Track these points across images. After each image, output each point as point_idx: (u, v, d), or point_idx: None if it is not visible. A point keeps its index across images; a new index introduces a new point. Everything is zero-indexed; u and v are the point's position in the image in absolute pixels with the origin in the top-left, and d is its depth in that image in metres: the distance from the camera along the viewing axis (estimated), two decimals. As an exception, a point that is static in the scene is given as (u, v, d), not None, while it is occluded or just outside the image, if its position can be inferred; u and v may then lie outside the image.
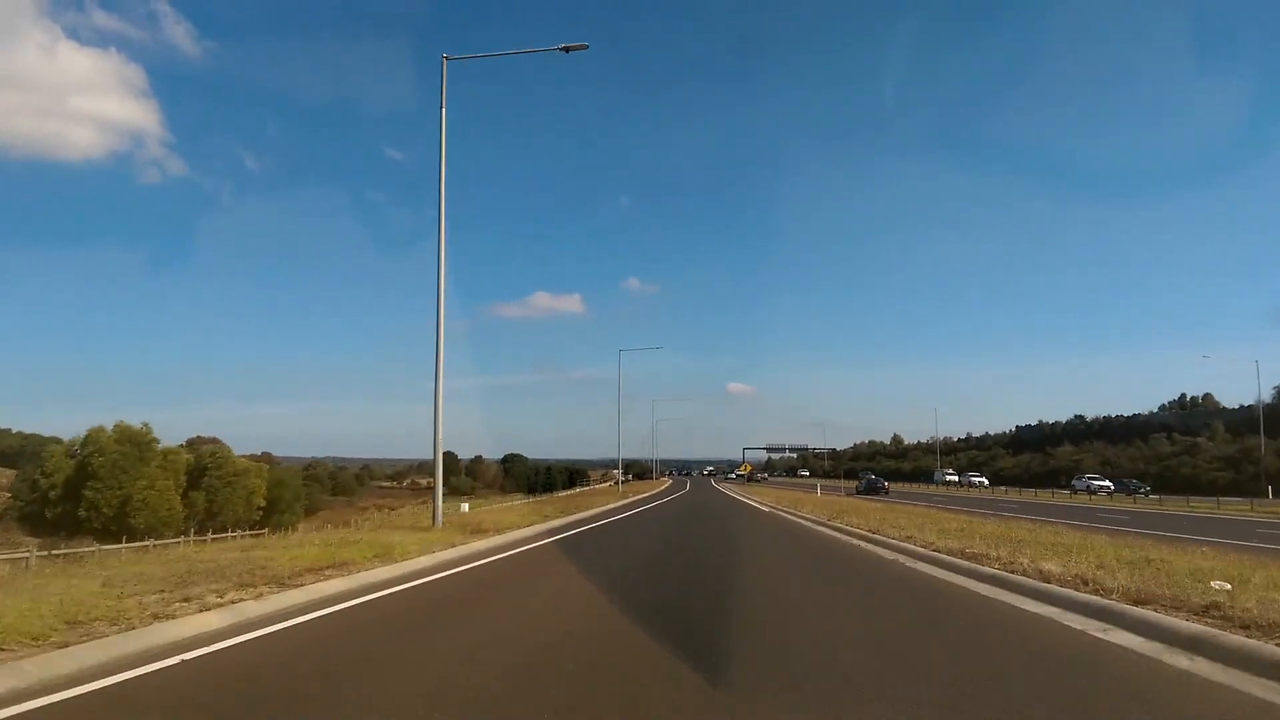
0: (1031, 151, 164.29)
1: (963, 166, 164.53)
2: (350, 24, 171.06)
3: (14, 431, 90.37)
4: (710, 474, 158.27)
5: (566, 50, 15.08)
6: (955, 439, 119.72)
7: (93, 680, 4.18)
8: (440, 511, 15.91)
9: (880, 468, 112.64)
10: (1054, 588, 6.99)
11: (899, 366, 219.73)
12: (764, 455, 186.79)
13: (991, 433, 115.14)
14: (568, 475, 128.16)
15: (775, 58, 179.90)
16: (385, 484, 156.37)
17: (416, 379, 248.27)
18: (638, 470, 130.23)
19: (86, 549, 27.93)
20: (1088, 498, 51.47)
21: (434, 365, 15.39)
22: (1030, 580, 7.52)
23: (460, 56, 16.01)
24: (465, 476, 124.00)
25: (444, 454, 15.32)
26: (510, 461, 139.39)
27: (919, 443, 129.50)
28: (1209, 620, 5.25)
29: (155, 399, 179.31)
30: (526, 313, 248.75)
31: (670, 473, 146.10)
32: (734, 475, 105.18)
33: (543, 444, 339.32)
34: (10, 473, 67.38)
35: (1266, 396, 66.09)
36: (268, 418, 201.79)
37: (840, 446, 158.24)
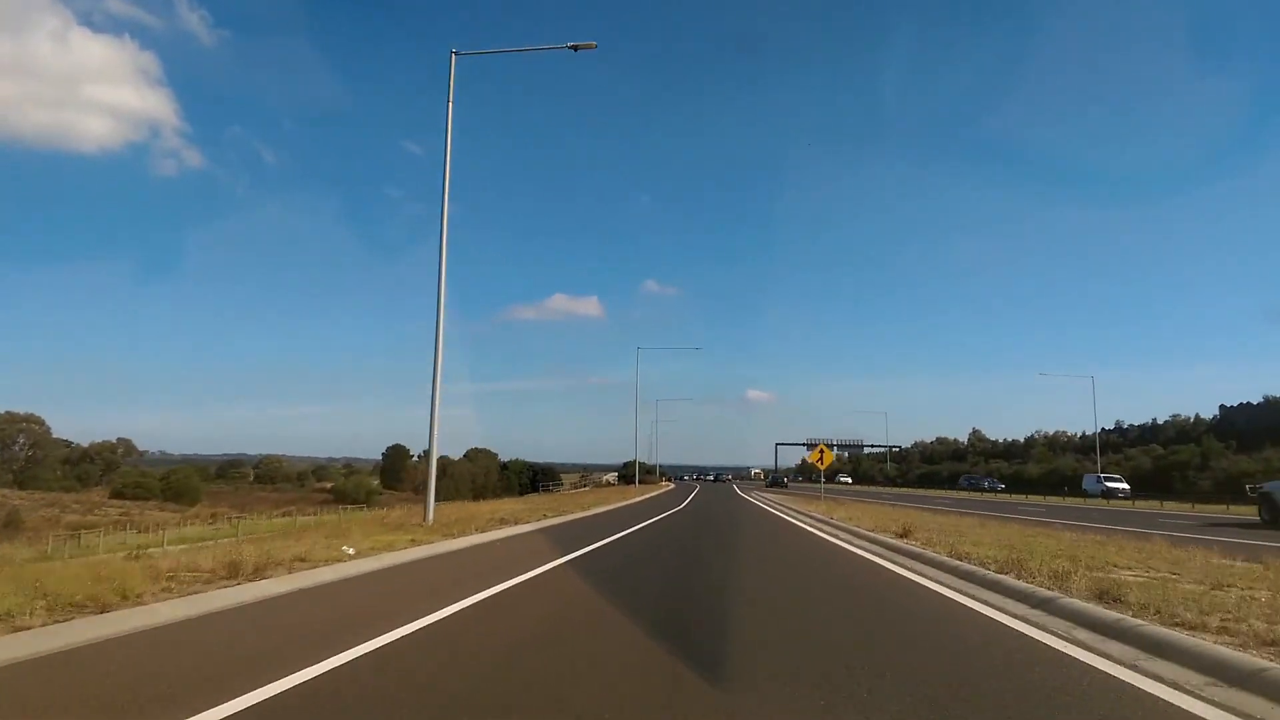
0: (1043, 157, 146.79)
1: (976, 170, 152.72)
2: (367, 15, 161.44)
3: None
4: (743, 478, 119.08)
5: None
6: (1104, 429, 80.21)
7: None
8: None
9: (999, 471, 75.69)
10: None
11: (919, 372, 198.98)
12: (804, 454, 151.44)
13: (1161, 420, 75.68)
14: (530, 476, 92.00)
15: (796, 58, 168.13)
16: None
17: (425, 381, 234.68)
18: (629, 473, 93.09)
19: None
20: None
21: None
22: None
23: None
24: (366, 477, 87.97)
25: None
26: (465, 459, 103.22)
27: (1038, 436, 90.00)
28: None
29: (162, 400, 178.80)
30: (544, 315, 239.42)
31: (669, 478, 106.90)
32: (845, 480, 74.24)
33: (555, 448, 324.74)
34: None
35: None
36: (284, 418, 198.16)
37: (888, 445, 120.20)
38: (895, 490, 66.03)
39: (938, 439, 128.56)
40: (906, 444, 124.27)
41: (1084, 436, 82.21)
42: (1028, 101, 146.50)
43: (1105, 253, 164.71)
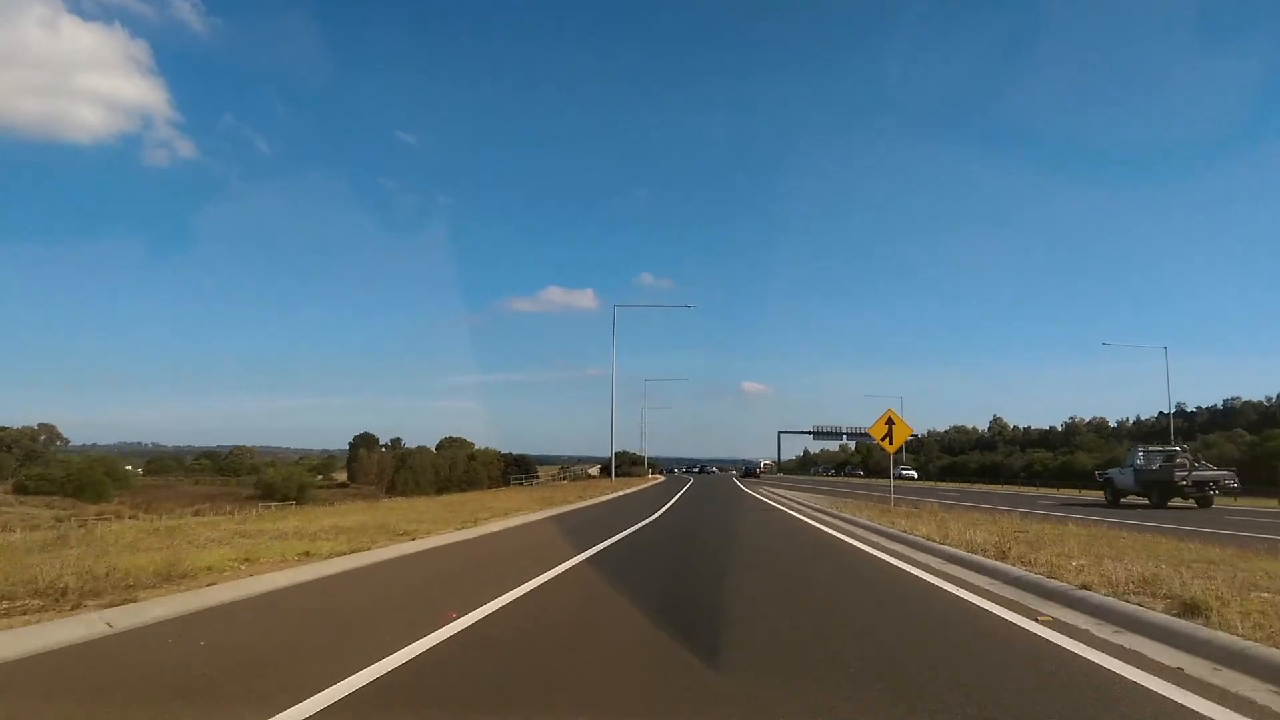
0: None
1: (986, 159, 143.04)
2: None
3: None
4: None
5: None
6: (1164, 413, 69.40)
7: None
8: None
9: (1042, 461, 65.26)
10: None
11: (921, 362, 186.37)
12: (807, 444, 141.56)
13: (1225, 402, 64.94)
14: (503, 467, 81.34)
15: (793, 45, 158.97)
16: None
17: (434, 372, 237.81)
18: (608, 463, 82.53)
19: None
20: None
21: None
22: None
23: None
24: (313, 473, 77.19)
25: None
26: (435, 450, 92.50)
27: (1078, 421, 79.12)
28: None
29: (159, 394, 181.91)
30: (540, 307, 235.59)
31: (661, 470, 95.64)
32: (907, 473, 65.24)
33: (551, 439, 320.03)
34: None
35: None
36: (279, 410, 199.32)
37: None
38: (958, 486, 51.25)
39: (954, 427, 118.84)
40: (919, 433, 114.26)
41: (1138, 421, 71.81)
42: (1036, 82, 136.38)
43: (1112, 237, 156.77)
